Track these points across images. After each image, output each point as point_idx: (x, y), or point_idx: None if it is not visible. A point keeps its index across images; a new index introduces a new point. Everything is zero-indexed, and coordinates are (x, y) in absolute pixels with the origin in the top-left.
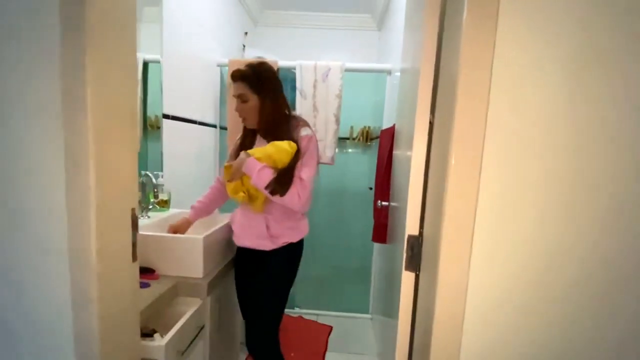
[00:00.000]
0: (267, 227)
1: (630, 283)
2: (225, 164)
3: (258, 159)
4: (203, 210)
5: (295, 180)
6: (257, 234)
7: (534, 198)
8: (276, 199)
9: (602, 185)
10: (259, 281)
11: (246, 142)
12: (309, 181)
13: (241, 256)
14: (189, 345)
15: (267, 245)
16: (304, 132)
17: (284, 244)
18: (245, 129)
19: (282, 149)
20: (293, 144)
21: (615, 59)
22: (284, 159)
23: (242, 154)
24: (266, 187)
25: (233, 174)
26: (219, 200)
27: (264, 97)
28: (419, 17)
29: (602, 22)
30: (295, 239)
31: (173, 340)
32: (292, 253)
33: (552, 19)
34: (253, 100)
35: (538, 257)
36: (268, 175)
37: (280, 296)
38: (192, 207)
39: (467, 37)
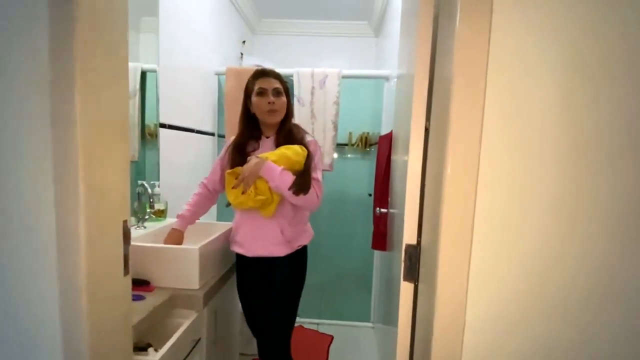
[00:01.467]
0: (282, 232)
1: (626, 291)
2: (228, 170)
3: (275, 162)
4: (193, 219)
5: (312, 181)
6: (272, 240)
7: (530, 206)
8: (298, 199)
9: (599, 193)
10: (275, 290)
11: (249, 147)
12: (322, 181)
13: (247, 268)
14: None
15: (283, 250)
16: (309, 137)
17: (298, 247)
18: (242, 135)
19: (297, 152)
20: (304, 148)
21: (611, 64)
22: (300, 161)
23: (254, 158)
24: (290, 188)
25: (247, 178)
26: (205, 207)
27: (288, 102)
28: (413, 24)
29: (598, 27)
30: (307, 241)
31: (167, 355)
32: (304, 256)
33: (547, 24)
34: (284, 97)
35: (536, 265)
36: (290, 177)
37: (297, 301)
38: (180, 217)
39: (460, 42)
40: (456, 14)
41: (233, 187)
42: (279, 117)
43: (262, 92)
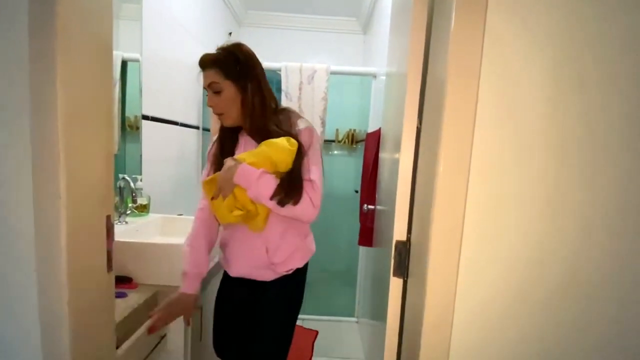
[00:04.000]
0: (268, 254)
1: (611, 288)
2: (204, 179)
3: (252, 164)
4: (201, 267)
5: (305, 183)
6: (255, 262)
7: (521, 203)
8: (287, 210)
9: (589, 192)
10: (263, 318)
11: (226, 146)
12: (320, 182)
13: (232, 285)
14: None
15: (267, 275)
16: (302, 124)
17: (289, 272)
18: (222, 131)
19: (281, 147)
20: (293, 141)
21: (601, 65)
22: (286, 160)
23: (228, 161)
24: (271, 198)
25: (221, 188)
26: (212, 233)
27: (244, 84)
28: (404, 22)
29: (589, 27)
30: (302, 264)
31: (128, 352)
32: (297, 280)
33: (541, 24)
34: (229, 89)
35: (524, 263)
36: (271, 183)
37: (289, 332)
38: (184, 275)
39: (455, 44)
40: (451, 16)
41: (212, 198)
42: (229, 120)
43: (206, 91)
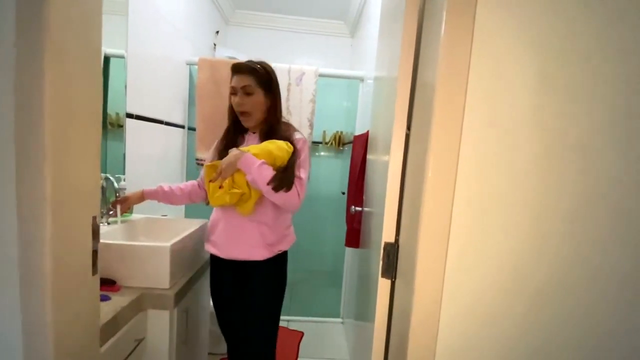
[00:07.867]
0: (262, 235)
1: (598, 288)
2: (207, 163)
3: (255, 155)
4: (167, 196)
5: (295, 179)
6: (249, 242)
7: (507, 206)
8: (278, 196)
9: (572, 195)
10: (254, 300)
11: (230, 143)
12: (306, 181)
13: (222, 269)
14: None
15: (262, 254)
16: (298, 135)
17: (279, 252)
18: (227, 132)
19: (281, 147)
20: (290, 145)
21: (578, 73)
22: (284, 157)
23: (234, 150)
24: (268, 183)
25: (224, 170)
26: (187, 197)
27: (273, 96)
28: (394, 27)
29: (578, 35)
30: (287, 247)
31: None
32: (284, 261)
33: (530, 30)
34: (259, 95)
35: (511, 263)
36: (269, 171)
37: (278, 311)
38: (159, 186)
39: (445, 49)
40: (441, 21)
41: (211, 181)
42: (251, 121)
43: (233, 92)
